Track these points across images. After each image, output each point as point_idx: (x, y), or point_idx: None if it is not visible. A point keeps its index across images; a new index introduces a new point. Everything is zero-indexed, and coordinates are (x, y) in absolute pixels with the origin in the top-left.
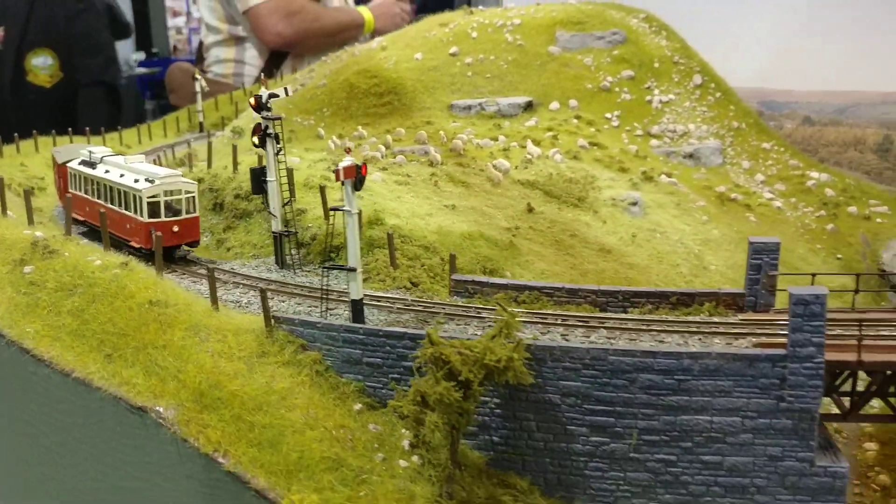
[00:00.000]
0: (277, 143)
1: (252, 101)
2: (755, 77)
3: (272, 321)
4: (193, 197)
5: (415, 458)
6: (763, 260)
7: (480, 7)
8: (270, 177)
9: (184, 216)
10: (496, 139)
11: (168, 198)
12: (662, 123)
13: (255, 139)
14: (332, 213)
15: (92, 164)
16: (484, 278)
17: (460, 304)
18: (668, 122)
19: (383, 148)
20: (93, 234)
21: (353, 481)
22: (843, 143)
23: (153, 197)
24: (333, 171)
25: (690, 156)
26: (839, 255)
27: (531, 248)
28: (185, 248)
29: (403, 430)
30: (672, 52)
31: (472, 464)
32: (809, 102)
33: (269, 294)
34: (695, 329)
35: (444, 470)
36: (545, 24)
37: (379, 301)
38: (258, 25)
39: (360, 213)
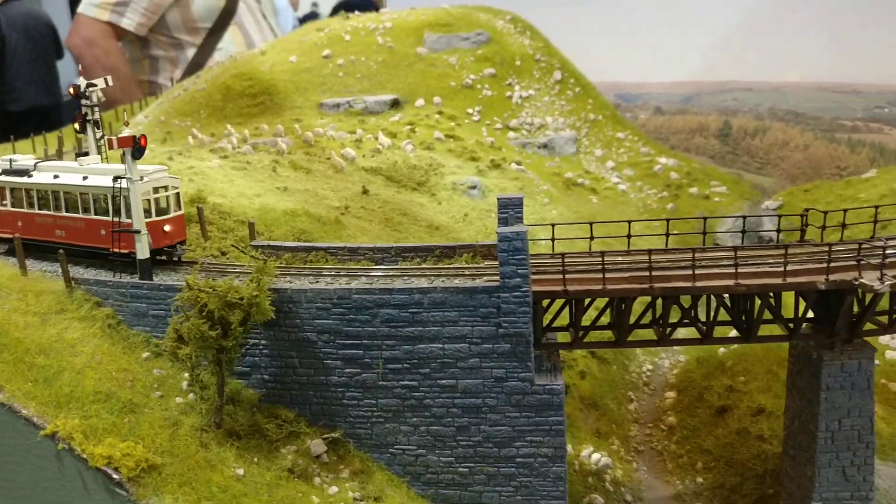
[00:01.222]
0: (98, 128)
1: (71, 90)
2: (612, 71)
3: (72, 282)
4: (178, 193)
5: (190, 396)
6: (509, 213)
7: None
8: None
9: (172, 214)
10: (354, 132)
11: (157, 195)
12: (521, 117)
13: (77, 125)
14: (116, 180)
15: (21, 172)
16: (277, 242)
17: (250, 264)
18: (527, 115)
19: (234, 140)
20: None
21: (121, 411)
22: (690, 130)
23: (144, 195)
24: (108, 140)
25: (545, 146)
26: (675, 231)
27: (359, 224)
28: (180, 247)
29: (185, 374)
30: (534, 50)
31: (246, 400)
32: (660, 94)
33: (77, 263)
34: (443, 273)
35: (213, 403)
36: (415, 26)
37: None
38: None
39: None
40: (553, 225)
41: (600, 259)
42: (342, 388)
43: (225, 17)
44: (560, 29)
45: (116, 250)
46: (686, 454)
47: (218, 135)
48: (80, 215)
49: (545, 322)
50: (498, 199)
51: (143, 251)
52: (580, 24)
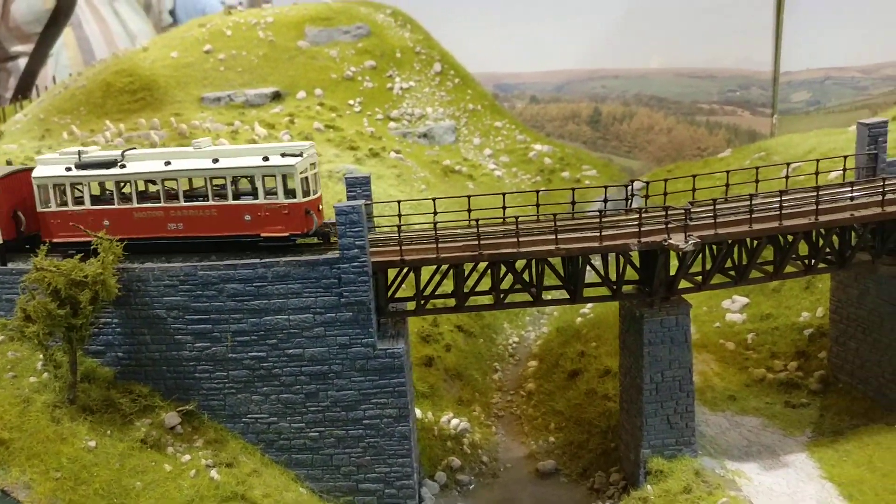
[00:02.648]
0: None
1: None
2: (490, 63)
3: None
4: (318, 172)
5: (45, 375)
6: (357, 191)
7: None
8: None
9: (316, 195)
10: (232, 124)
11: (310, 172)
12: (402, 108)
13: None
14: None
15: (105, 164)
16: None
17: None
18: (407, 106)
19: (108, 135)
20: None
21: None
22: (563, 117)
23: (303, 172)
24: None
25: (425, 135)
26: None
27: None
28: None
29: (40, 355)
30: (415, 43)
31: (102, 377)
32: (535, 83)
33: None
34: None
35: (66, 381)
36: (296, 21)
37: None
38: None
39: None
40: (399, 201)
41: (436, 230)
42: (193, 361)
43: (57, 19)
44: (440, 21)
45: (267, 235)
46: (541, 416)
47: (97, 131)
48: (212, 202)
49: (390, 291)
50: (346, 178)
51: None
52: (459, 17)
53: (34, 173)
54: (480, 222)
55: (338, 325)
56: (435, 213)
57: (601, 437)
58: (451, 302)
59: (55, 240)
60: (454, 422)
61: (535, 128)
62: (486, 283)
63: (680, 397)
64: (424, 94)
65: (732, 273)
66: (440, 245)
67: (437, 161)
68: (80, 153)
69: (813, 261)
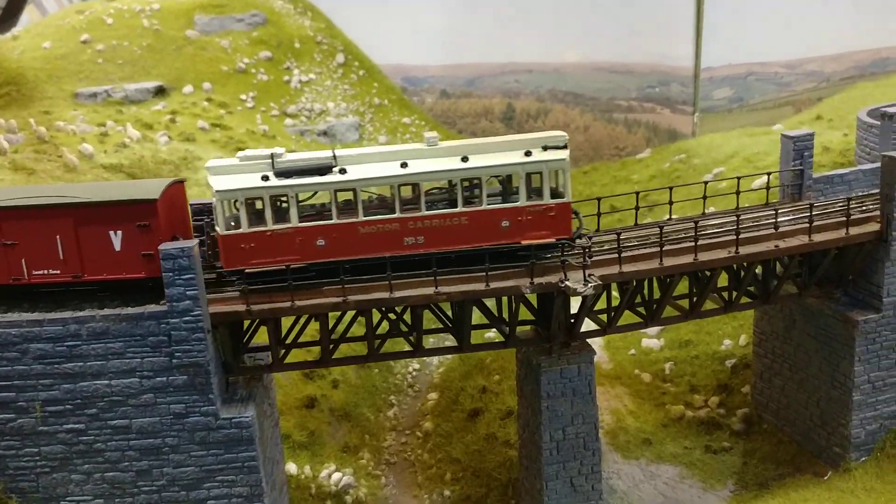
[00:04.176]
0: None
1: None
2: (396, 54)
3: None
4: None
5: None
6: (204, 221)
7: None
8: None
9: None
10: (104, 124)
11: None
12: (301, 103)
13: None
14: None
15: (318, 171)
16: None
17: None
18: (306, 101)
19: None
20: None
21: None
22: (476, 113)
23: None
24: None
25: (325, 133)
26: None
27: None
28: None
29: None
30: (316, 32)
31: None
32: (444, 76)
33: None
34: None
35: None
36: (185, 8)
37: None
38: None
39: None
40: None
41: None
42: None
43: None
44: (343, 9)
45: (529, 242)
46: (437, 464)
47: None
48: (462, 209)
49: (246, 337)
50: (191, 204)
51: None
52: (363, 4)
53: (215, 185)
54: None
55: (171, 391)
56: None
57: (501, 491)
58: (317, 350)
59: (247, 269)
60: (336, 476)
61: (446, 124)
62: (360, 328)
63: (585, 456)
64: (326, 87)
65: (643, 311)
66: (296, 291)
67: None
68: (273, 157)
69: (735, 294)
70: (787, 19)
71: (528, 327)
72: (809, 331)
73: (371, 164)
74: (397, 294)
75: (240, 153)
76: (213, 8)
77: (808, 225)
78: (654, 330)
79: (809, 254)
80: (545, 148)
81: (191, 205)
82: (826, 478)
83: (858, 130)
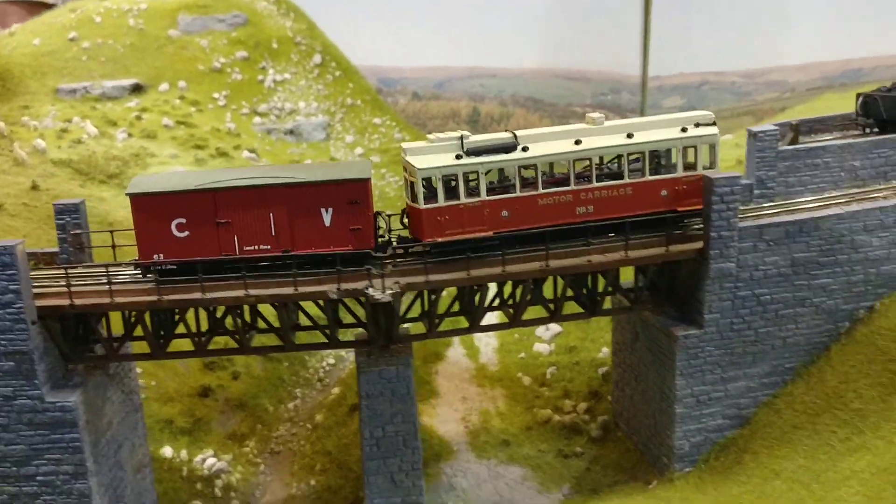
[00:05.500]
0: None
1: None
2: (373, 55)
3: None
4: None
5: None
6: (66, 220)
7: None
8: None
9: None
10: (70, 120)
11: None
12: (272, 102)
13: None
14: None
15: (503, 149)
16: None
17: None
18: (278, 100)
19: None
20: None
21: None
22: (444, 115)
23: None
24: None
25: (291, 132)
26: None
27: (9, 224)
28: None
29: None
30: (295, 33)
31: None
32: (417, 79)
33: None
34: None
35: None
36: (170, 8)
37: None
38: None
39: None
40: (111, 231)
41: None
42: None
43: None
44: (325, 11)
45: (684, 209)
46: (311, 455)
47: None
48: (628, 180)
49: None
50: (54, 205)
51: None
52: (345, 6)
53: (416, 164)
54: None
55: None
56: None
57: (355, 484)
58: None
59: (440, 239)
60: (210, 461)
61: (417, 125)
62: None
63: (405, 454)
64: (300, 87)
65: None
66: (113, 289)
67: (299, 160)
68: (462, 138)
69: (553, 305)
70: (742, 31)
71: (360, 330)
72: (647, 344)
73: (548, 141)
74: (209, 295)
75: (430, 136)
76: (198, 8)
77: (624, 242)
78: (548, 334)
79: (643, 268)
80: (697, 125)
81: (54, 205)
82: (651, 486)
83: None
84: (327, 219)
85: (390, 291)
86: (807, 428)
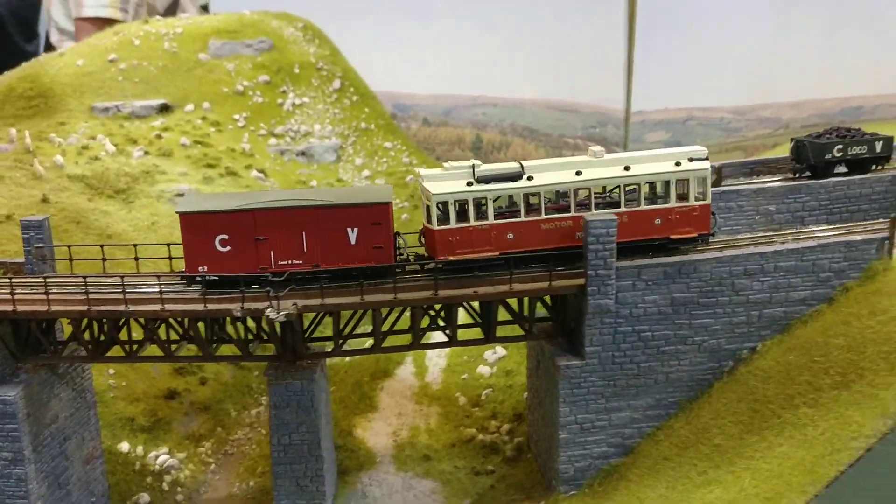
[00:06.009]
0: None
1: None
2: (390, 82)
3: None
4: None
5: None
6: (31, 234)
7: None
8: None
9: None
10: (94, 138)
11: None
12: (289, 124)
13: None
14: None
15: (509, 178)
16: None
17: None
18: (295, 123)
19: None
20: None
21: None
22: (451, 141)
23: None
24: None
25: (303, 153)
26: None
27: (14, 232)
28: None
29: None
30: (318, 58)
31: None
32: (428, 105)
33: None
34: None
35: None
36: (203, 32)
37: None
38: None
39: None
40: (69, 246)
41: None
42: None
43: None
44: (348, 37)
45: (677, 237)
46: (256, 458)
47: None
48: (624, 209)
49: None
50: (21, 221)
51: None
52: (367, 33)
53: (432, 190)
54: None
55: None
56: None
57: None
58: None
59: (451, 257)
60: (163, 458)
61: (426, 150)
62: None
63: (309, 461)
64: (317, 110)
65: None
66: (51, 297)
67: (306, 181)
68: (473, 167)
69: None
70: (732, 65)
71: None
72: (544, 371)
73: (551, 171)
74: (132, 308)
75: (445, 164)
76: (228, 33)
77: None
78: (493, 357)
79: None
80: (690, 160)
81: (21, 221)
82: None
83: None
84: (353, 237)
85: (284, 312)
86: (674, 460)
